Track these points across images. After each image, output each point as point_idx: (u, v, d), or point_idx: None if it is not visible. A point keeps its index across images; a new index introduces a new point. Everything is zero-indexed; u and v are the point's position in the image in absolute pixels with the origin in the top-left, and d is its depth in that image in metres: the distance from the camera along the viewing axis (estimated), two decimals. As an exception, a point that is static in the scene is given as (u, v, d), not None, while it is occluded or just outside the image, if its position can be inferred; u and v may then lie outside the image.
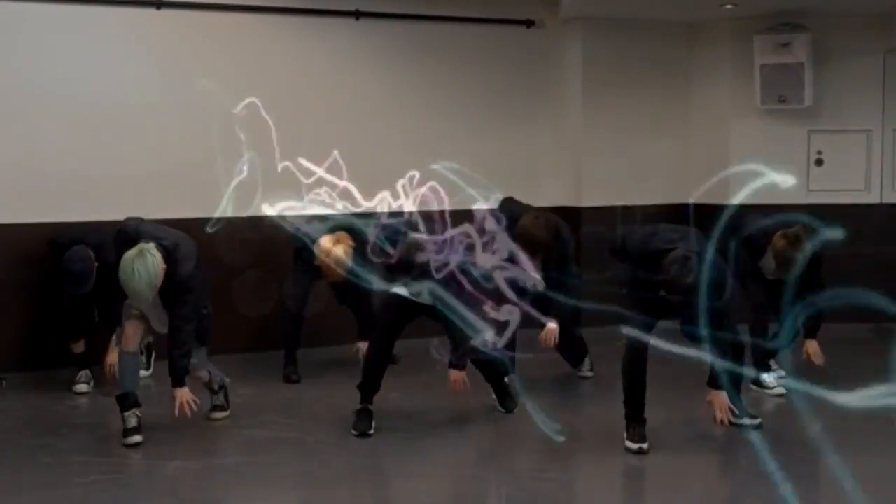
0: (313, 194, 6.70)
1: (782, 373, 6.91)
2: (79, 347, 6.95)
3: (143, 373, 6.78)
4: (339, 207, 6.83)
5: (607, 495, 5.24)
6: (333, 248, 6.68)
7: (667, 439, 5.71)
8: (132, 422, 5.69)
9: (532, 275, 6.34)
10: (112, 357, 6.58)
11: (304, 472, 5.34)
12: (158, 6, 7.78)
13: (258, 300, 7.58)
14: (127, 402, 5.70)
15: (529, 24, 9.06)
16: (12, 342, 7.24)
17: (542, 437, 5.90)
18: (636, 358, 5.54)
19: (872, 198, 9.11)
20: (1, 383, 6.93)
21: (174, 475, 5.30)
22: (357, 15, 8.42)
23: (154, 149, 7.60)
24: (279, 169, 6.86)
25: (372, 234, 5.96)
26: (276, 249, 7.56)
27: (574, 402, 6.87)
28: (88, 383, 6.88)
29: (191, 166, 7.59)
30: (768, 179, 6.00)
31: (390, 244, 5.81)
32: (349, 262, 6.62)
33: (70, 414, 6.41)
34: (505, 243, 6.15)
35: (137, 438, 5.64)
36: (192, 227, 6.57)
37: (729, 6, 8.64)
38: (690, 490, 5.20)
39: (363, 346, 6.86)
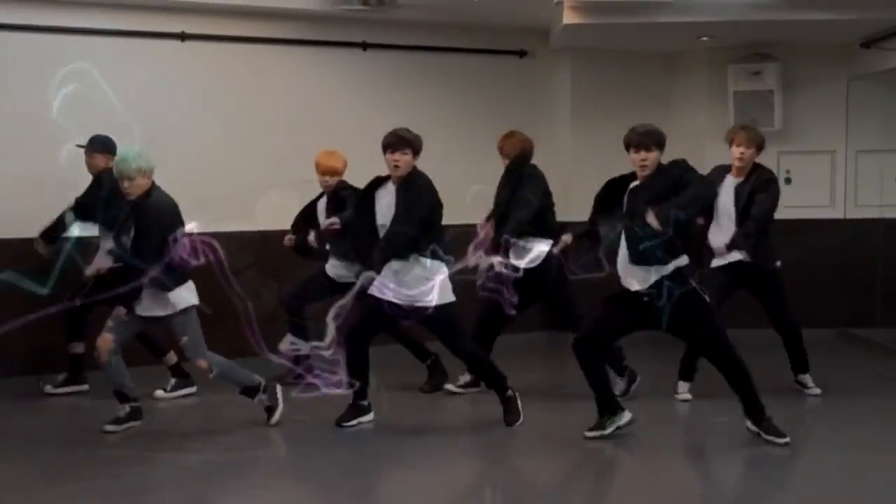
0: None
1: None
2: (79, 348, 6.88)
3: (161, 393, 6.81)
4: None
5: (607, 487, 5.27)
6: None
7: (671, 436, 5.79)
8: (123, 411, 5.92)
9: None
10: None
11: (315, 465, 5.42)
12: (182, 38, 7.93)
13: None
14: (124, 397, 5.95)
15: (522, 54, 9.19)
16: (45, 346, 7.20)
17: (539, 432, 5.93)
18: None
19: (837, 213, 9.19)
20: (39, 383, 7.01)
21: (195, 468, 5.40)
22: (364, 46, 8.56)
23: (177, 173, 7.67)
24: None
25: None
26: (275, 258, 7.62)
27: (568, 398, 6.80)
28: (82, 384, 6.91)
29: (211, 190, 7.59)
30: None
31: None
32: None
33: (100, 412, 6.36)
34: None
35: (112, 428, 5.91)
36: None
37: (705, 38, 8.77)
38: (692, 486, 5.26)
39: None
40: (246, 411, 6.23)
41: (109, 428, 5.90)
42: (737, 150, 6.55)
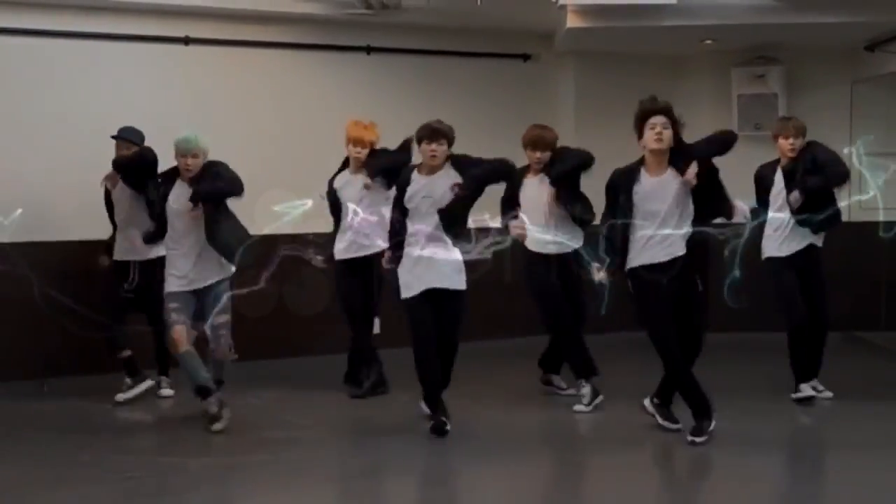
0: None
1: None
2: (125, 352, 6.79)
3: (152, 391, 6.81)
4: None
5: (607, 489, 5.21)
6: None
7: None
8: (213, 408, 5.87)
9: None
10: None
11: (320, 469, 5.39)
12: (186, 42, 7.89)
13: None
14: (206, 392, 5.88)
15: (526, 57, 9.16)
16: (54, 348, 7.25)
17: (541, 433, 5.96)
18: None
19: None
20: (42, 387, 6.98)
21: (202, 472, 5.36)
22: (368, 50, 8.54)
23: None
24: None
25: None
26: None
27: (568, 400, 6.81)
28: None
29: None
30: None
31: None
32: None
33: (107, 416, 6.46)
34: None
35: (219, 426, 5.83)
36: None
37: (708, 41, 8.76)
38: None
39: None
40: (249, 415, 6.21)
41: (217, 427, 5.88)
42: (789, 143, 6.74)
